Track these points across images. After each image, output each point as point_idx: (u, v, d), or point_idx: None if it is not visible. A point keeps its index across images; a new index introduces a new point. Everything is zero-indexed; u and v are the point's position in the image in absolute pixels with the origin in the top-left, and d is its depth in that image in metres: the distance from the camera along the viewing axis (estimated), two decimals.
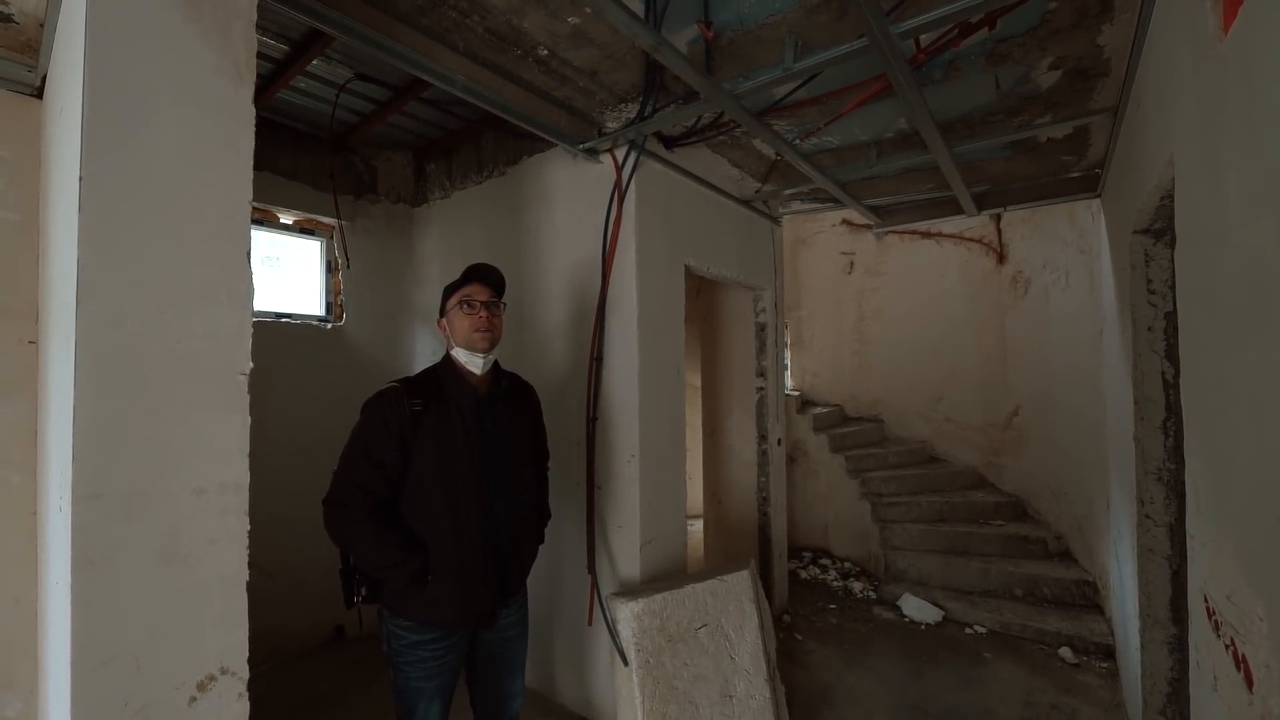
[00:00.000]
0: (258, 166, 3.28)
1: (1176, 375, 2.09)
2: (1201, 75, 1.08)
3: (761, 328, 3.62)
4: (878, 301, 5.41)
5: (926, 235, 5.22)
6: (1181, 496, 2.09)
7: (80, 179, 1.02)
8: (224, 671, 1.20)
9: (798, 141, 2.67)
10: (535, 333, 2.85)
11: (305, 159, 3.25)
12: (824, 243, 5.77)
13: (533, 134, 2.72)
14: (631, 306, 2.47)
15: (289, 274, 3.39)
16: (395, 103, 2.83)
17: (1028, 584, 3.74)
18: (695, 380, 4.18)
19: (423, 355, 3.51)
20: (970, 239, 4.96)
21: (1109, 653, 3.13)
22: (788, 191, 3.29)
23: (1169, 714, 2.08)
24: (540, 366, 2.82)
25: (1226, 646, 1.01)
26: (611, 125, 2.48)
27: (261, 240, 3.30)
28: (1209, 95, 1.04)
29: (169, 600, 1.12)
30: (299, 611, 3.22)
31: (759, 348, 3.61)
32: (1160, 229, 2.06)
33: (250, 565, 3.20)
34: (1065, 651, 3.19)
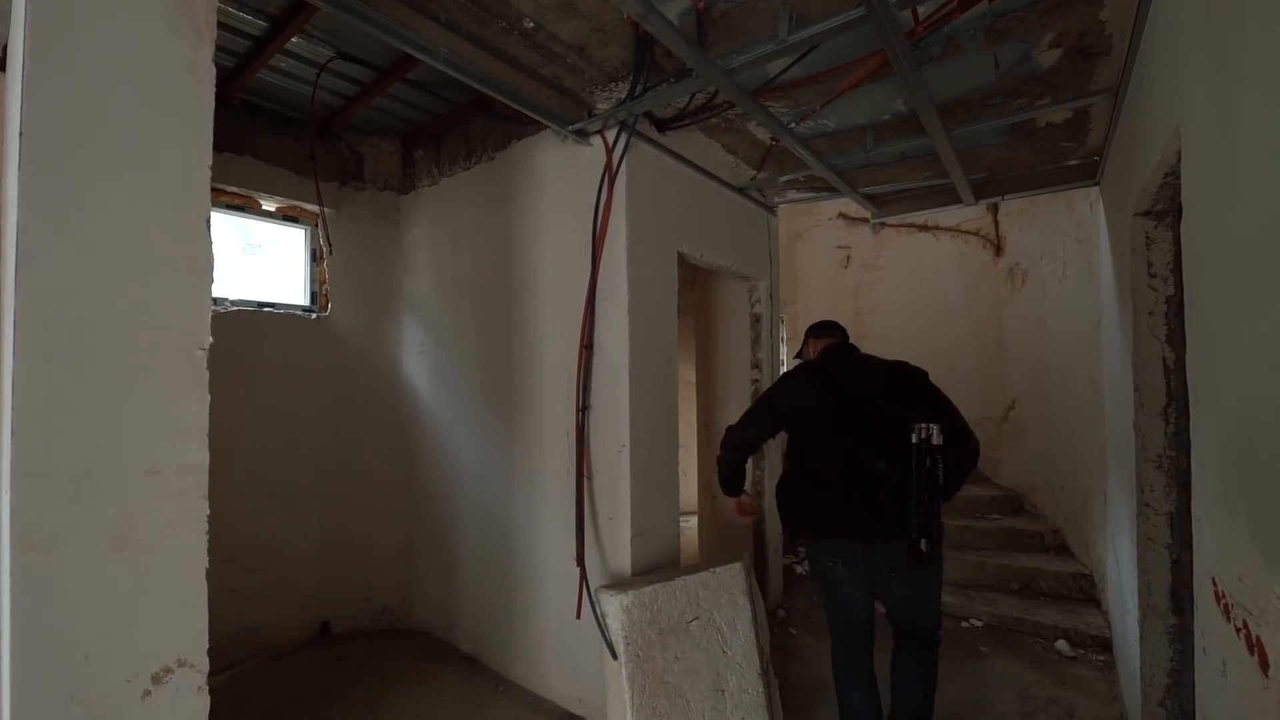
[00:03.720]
0: (238, 150, 3.19)
1: (1177, 360, 2.04)
2: (1212, 32, 1.02)
3: (756, 319, 3.56)
4: (874, 295, 5.36)
5: (923, 228, 5.18)
6: (1182, 485, 2.04)
7: (20, 134, 0.95)
8: (181, 664, 1.13)
9: (793, 125, 2.61)
10: (525, 320, 2.78)
11: (288, 144, 3.17)
12: (820, 237, 5.72)
13: (521, 118, 2.66)
14: (622, 293, 2.40)
15: (272, 262, 3.31)
16: (380, 84, 2.76)
17: (1024, 578, 3.70)
18: (690, 375, 4.12)
19: (410, 346, 3.44)
20: (967, 231, 4.92)
21: (1105, 645, 3.10)
22: (783, 179, 3.23)
23: (1169, 705, 2.03)
24: (529, 354, 2.76)
25: (1238, 630, 0.96)
26: (601, 106, 2.42)
27: (243, 227, 3.22)
28: (1221, 52, 0.98)
29: (121, 588, 1.06)
30: (284, 608, 3.15)
31: (754, 339, 3.55)
32: (1161, 211, 2.01)
33: (231, 561, 3.12)
34: (1062, 644, 3.15)
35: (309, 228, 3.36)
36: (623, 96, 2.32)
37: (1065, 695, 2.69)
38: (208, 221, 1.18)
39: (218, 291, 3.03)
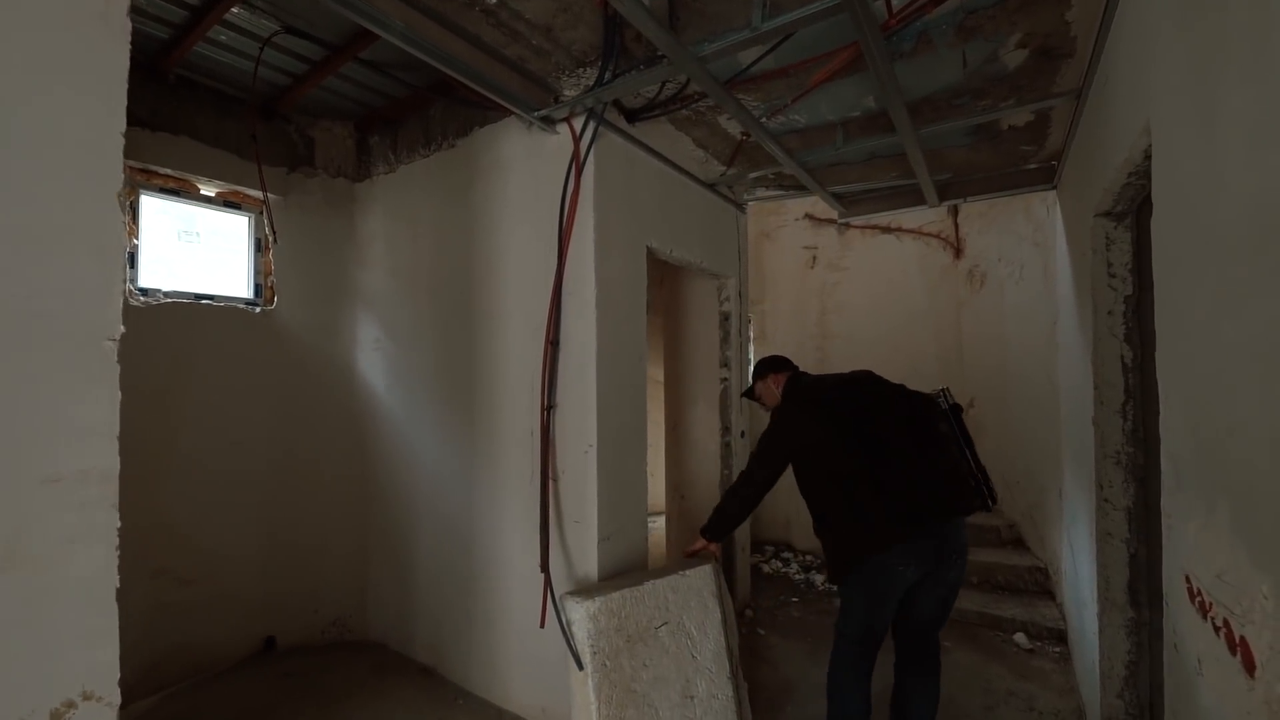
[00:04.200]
0: (174, 130, 2.95)
1: (1135, 359, 2.09)
2: (1191, 24, 1.01)
3: (726, 317, 3.52)
4: (840, 296, 5.41)
5: (886, 230, 5.25)
6: (1139, 480, 2.09)
7: None
8: (87, 697, 0.99)
9: (764, 120, 2.57)
10: (487, 315, 2.66)
11: (230, 124, 2.95)
12: (787, 237, 5.74)
13: (484, 103, 2.54)
14: (590, 288, 2.32)
15: (212, 252, 3.09)
16: (331, 62, 2.59)
17: (983, 572, 3.78)
18: (657, 375, 4.06)
19: (365, 342, 3.26)
20: (929, 234, 5.02)
21: (1061, 637, 3.18)
22: (753, 175, 3.20)
23: (1126, 697, 2.08)
24: (492, 351, 2.64)
25: (1218, 629, 0.95)
26: (569, 92, 2.32)
27: (180, 213, 2.98)
28: (1201, 42, 0.97)
29: (10, 612, 0.91)
30: (224, 622, 2.94)
31: (723, 337, 3.52)
32: (1121, 212, 2.05)
33: (164, 573, 2.89)
34: (1020, 637, 3.22)
35: (253, 215, 3.15)
36: (591, 83, 2.23)
37: (1025, 687, 2.75)
38: (119, 195, 1.04)
39: (151, 281, 2.80)
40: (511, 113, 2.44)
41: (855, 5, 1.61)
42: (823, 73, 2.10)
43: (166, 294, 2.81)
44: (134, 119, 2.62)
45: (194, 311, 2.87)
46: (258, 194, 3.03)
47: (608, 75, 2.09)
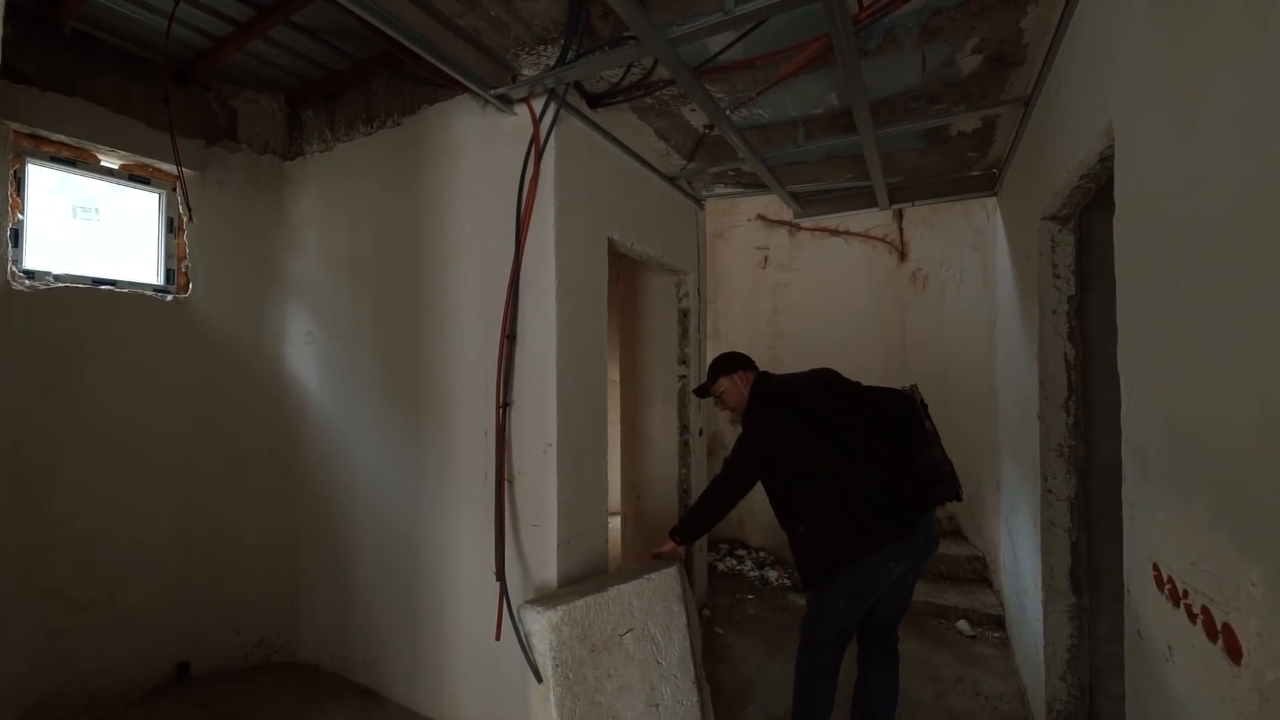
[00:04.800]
0: (69, 91, 2.60)
1: (1078, 356, 2.19)
2: (1168, 17, 1.02)
3: (685, 314, 3.48)
4: (791, 296, 5.51)
5: (835, 232, 5.39)
6: (1080, 472, 2.20)
7: None
8: None
9: (729, 113, 2.53)
10: (436, 307, 2.49)
11: (138, 89, 2.62)
12: (740, 237, 5.79)
13: (434, 79, 2.37)
14: (550, 279, 2.20)
15: (115, 232, 2.74)
16: (258, 24, 2.34)
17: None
18: (613, 373, 3.96)
19: (295, 335, 2.99)
20: (875, 237, 5.18)
21: (999, 623, 3.34)
22: (713, 170, 3.17)
23: (1069, 679, 2.18)
24: (442, 345, 2.47)
25: (1194, 616, 0.96)
26: (527, 72, 2.20)
27: (75, 186, 2.62)
28: (1181, 34, 0.98)
29: None
30: (129, 648, 2.61)
31: (681, 334, 3.47)
32: (1066, 215, 2.14)
33: (54, 596, 2.54)
34: (962, 624, 3.36)
35: (164, 192, 2.81)
36: (552, 62, 2.12)
37: (970, 673, 2.85)
38: None
39: (37, 264, 2.44)
40: (465, 90, 2.30)
41: None
42: (792, 64, 2.08)
43: (58, 278, 2.46)
44: (17, 74, 2.27)
45: (92, 298, 2.52)
46: (170, 168, 2.70)
47: (571, 54, 1.99)
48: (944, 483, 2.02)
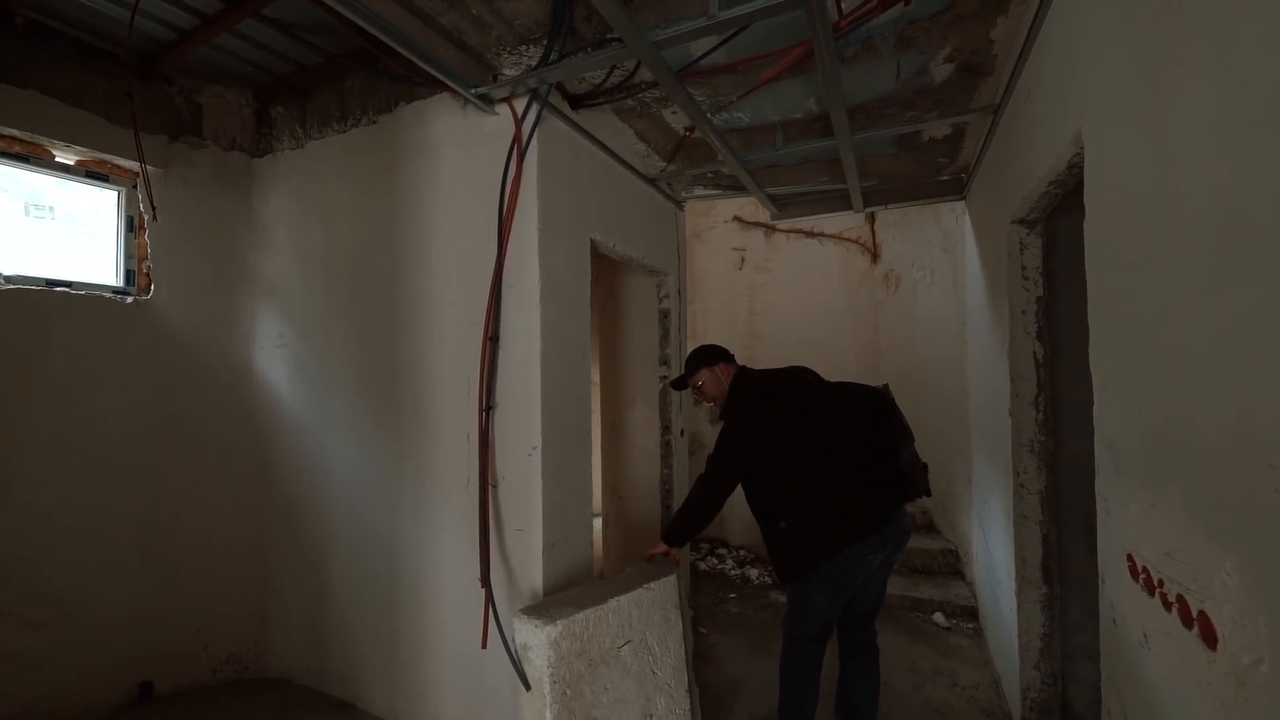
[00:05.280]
0: (21, 83, 2.48)
1: (1046, 355, 2.27)
2: (1139, 34, 1.07)
3: (665, 314, 3.49)
4: (767, 297, 5.58)
5: (810, 234, 5.48)
6: (1050, 466, 2.28)
7: None
8: None
9: (710, 116, 2.56)
10: (416, 310, 2.44)
11: (96, 81, 2.50)
12: (717, 238, 5.84)
13: (412, 77, 2.32)
14: (534, 280, 2.18)
15: (70, 232, 2.61)
16: (226, 17, 2.26)
17: (903, 557, 4.01)
18: (594, 374, 3.95)
19: (265, 338, 2.89)
20: (848, 239, 5.29)
21: (973, 614, 3.44)
22: (692, 172, 3.19)
23: (1042, 667, 2.25)
24: (421, 348, 2.42)
25: (1169, 604, 1.01)
26: (509, 71, 2.17)
27: (27, 183, 2.49)
28: (1151, 50, 1.03)
29: None
30: (87, 669, 2.48)
31: (662, 335, 3.48)
32: (1034, 219, 2.22)
33: (4, 615, 2.41)
34: (938, 616, 3.45)
35: (124, 189, 2.69)
36: (534, 62, 2.10)
37: (948, 664, 2.93)
38: None
39: None
40: (444, 89, 2.26)
41: (810, 1, 1.61)
42: (773, 69, 2.10)
43: (9, 279, 2.33)
44: None
45: (46, 301, 2.40)
46: (130, 164, 2.59)
47: (554, 55, 1.97)
48: (921, 476, 2.08)
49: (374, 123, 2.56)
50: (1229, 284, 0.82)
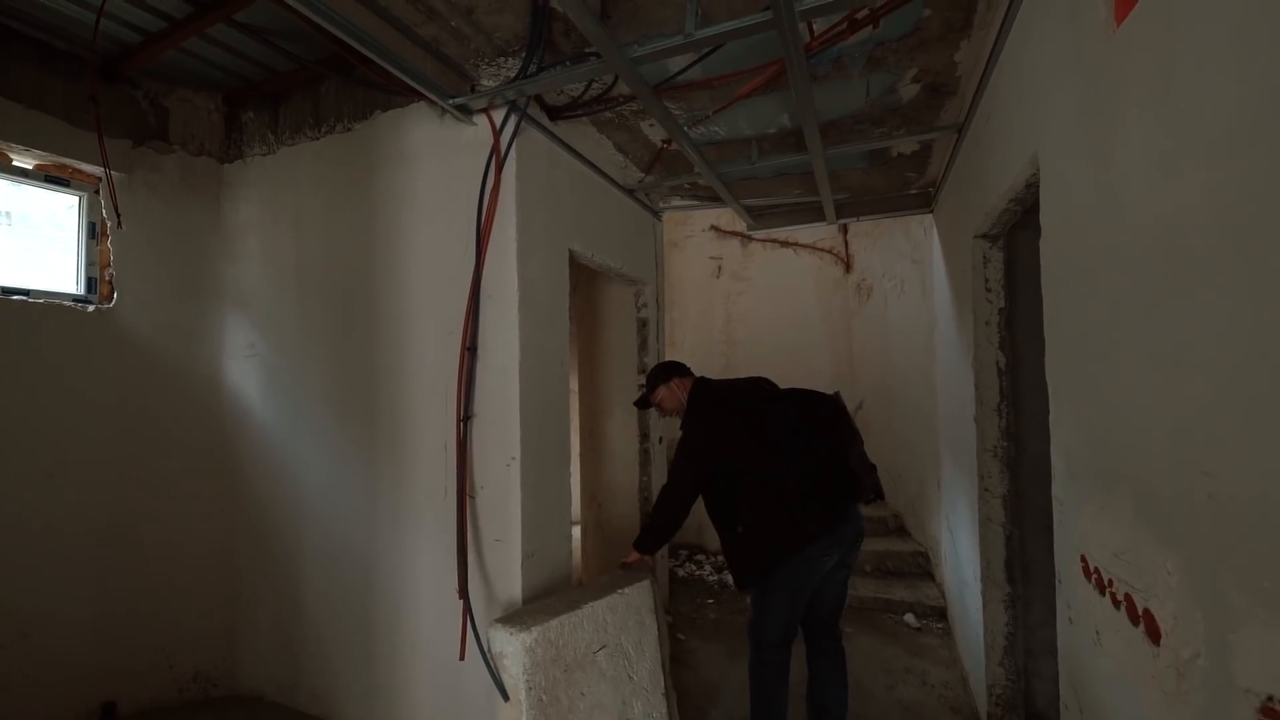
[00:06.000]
0: None
1: (1008, 363, 2.37)
2: (1088, 67, 1.15)
3: (643, 323, 3.52)
4: (743, 305, 5.66)
5: (785, 244, 5.59)
6: (1012, 471, 2.38)
7: None
8: None
9: (686, 129, 2.60)
10: (392, 319, 2.42)
11: (57, 83, 2.43)
12: (694, 247, 5.91)
13: (389, 85, 2.32)
14: (512, 290, 2.19)
15: (25, 236, 2.52)
16: (196, 22, 2.22)
17: (875, 559, 4.11)
18: (572, 383, 3.95)
19: (235, 348, 2.83)
20: (822, 249, 5.41)
21: (942, 614, 3.54)
22: (670, 183, 3.24)
23: (1007, 665, 2.34)
24: (397, 358, 2.40)
25: (1118, 602, 1.07)
26: (487, 82, 2.18)
27: None
28: (1098, 83, 1.10)
29: None
30: (46, 690, 2.39)
31: (640, 343, 3.51)
32: (996, 234, 2.32)
33: None
34: (909, 617, 3.53)
35: (86, 194, 2.61)
36: (512, 74, 2.12)
37: (918, 664, 3.01)
38: None
39: None
40: (421, 98, 2.26)
41: (783, 24, 1.66)
42: (748, 86, 2.16)
43: None
44: None
45: (2, 309, 2.31)
46: (93, 169, 2.51)
47: (533, 68, 1.99)
48: (870, 475, 2.15)
49: (349, 130, 2.54)
50: (1166, 301, 0.88)
